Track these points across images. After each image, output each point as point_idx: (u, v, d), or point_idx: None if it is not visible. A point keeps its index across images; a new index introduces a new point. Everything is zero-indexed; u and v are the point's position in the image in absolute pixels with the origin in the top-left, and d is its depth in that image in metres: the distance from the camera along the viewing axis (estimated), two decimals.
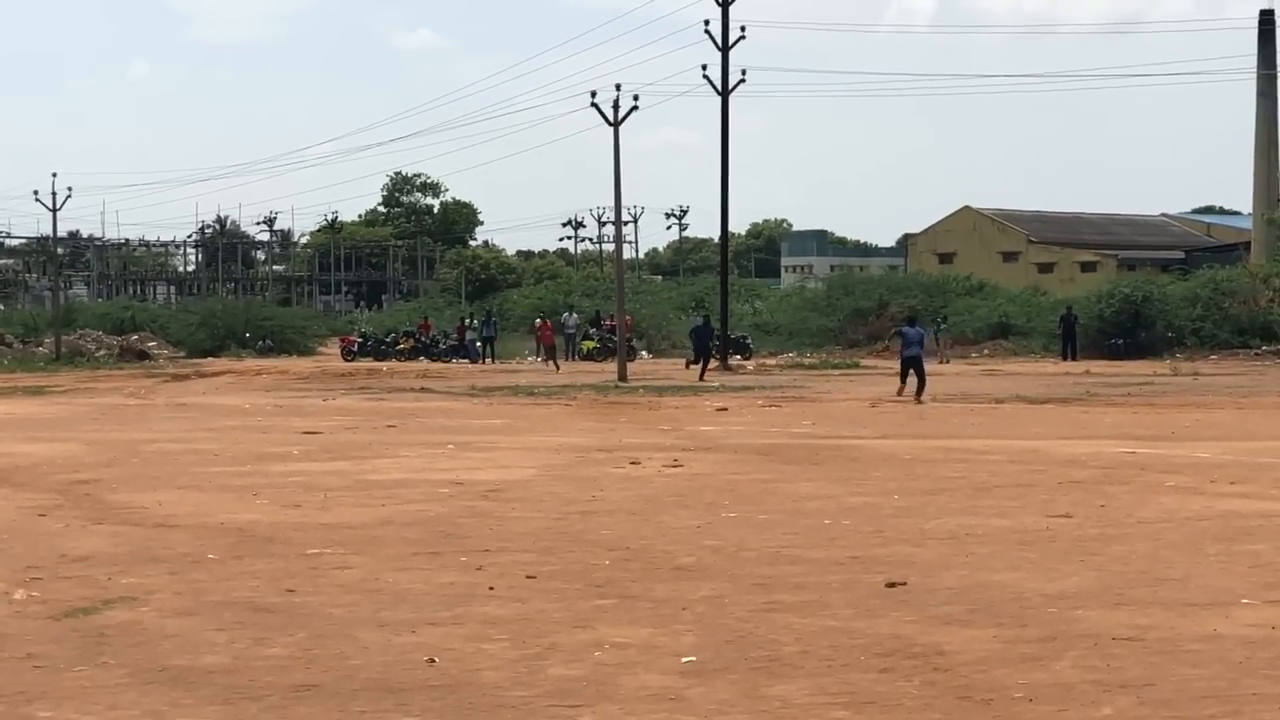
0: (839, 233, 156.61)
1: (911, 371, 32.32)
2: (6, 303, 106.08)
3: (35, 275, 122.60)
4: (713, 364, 50.02)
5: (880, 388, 35.78)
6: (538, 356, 57.67)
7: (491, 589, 10.28)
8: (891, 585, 10.25)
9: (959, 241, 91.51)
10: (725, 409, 29.43)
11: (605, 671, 7.96)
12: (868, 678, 7.79)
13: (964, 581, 10.43)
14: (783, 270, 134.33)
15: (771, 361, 52.33)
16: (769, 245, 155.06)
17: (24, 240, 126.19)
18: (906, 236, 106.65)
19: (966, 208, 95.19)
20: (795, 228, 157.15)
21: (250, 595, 10.15)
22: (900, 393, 32.35)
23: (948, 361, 52.44)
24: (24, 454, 20.65)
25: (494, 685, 7.70)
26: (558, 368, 49.98)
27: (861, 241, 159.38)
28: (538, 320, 57.54)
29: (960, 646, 8.42)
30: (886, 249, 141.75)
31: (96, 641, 8.75)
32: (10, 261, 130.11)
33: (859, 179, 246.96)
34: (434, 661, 8.16)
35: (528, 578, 10.71)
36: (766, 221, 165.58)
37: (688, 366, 45.19)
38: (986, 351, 56.45)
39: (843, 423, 25.79)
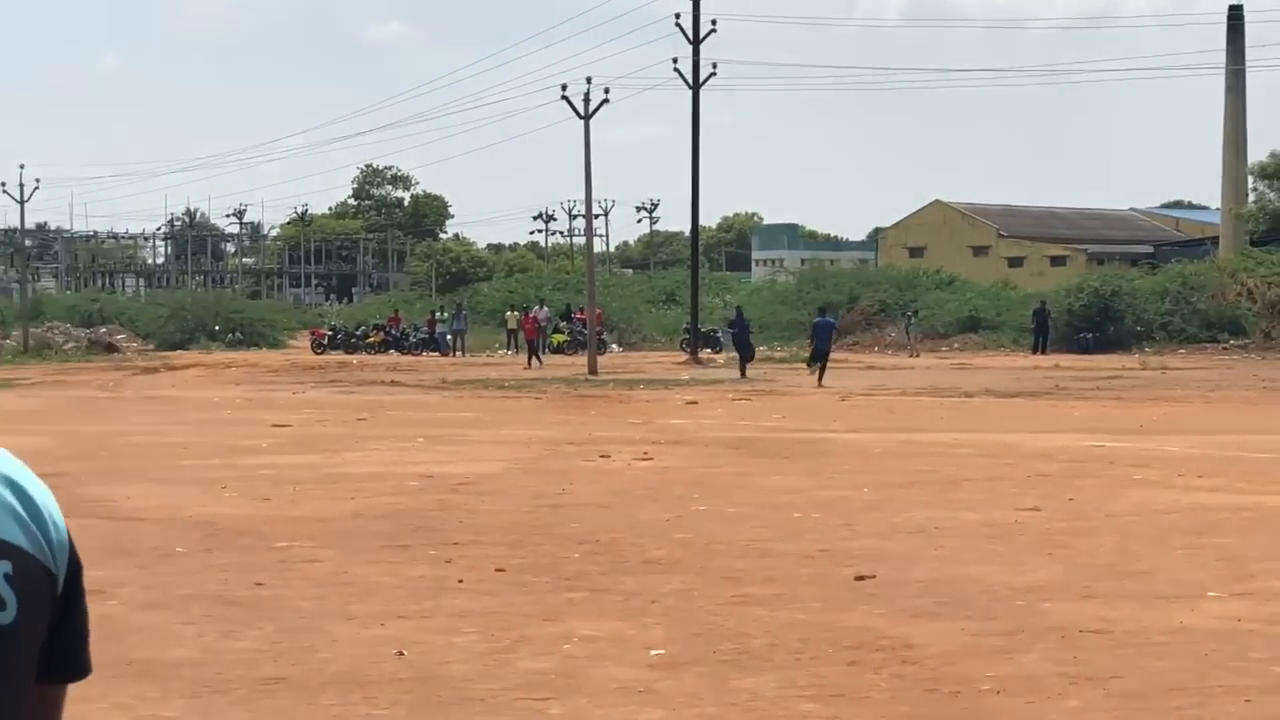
0: (810, 226, 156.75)
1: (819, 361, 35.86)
2: None
3: (2, 267, 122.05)
4: (682, 357, 50.07)
5: (852, 380, 35.83)
6: (508, 349, 57.62)
7: (461, 582, 10.27)
8: (861, 578, 10.26)
9: (929, 235, 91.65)
10: (695, 402, 29.45)
11: (574, 664, 7.96)
12: (836, 670, 7.80)
13: (933, 575, 10.45)
14: (753, 264, 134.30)
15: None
16: (740, 239, 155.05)
17: None
18: (877, 230, 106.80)
19: (937, 202, 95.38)
20: (766, 221, 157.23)
21: (219, 588, 10.13)
22: (820, 381, 34.81)
23: (917, 355, 52.55)
24: None
25: (463, 678, 7.69)
26: (539, 362, 47.18)
27: (832, 235, 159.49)
28: (524, 312, 54.53)
29: (929, 639, 8.44)
30: (857, 243, 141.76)
31: None
32: None
33: (830, 173, 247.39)
34: (403, 654, 8.15)
35: (497, 571, 10.70)
36: (737, 215, 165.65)
37: (743, 374, 39.09)
38: (956, 345, 56.58)
39: (813, 416, 25.82)
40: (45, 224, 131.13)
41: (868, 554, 11.30)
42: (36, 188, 64.43)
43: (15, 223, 79.26)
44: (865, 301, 62.98)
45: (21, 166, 65.77)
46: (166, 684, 7.60)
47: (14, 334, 62.08)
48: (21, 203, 64.26)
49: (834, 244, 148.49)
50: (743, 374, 38.94)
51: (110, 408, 29.42)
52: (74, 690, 7.07)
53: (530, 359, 48.01)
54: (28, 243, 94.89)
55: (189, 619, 9.12)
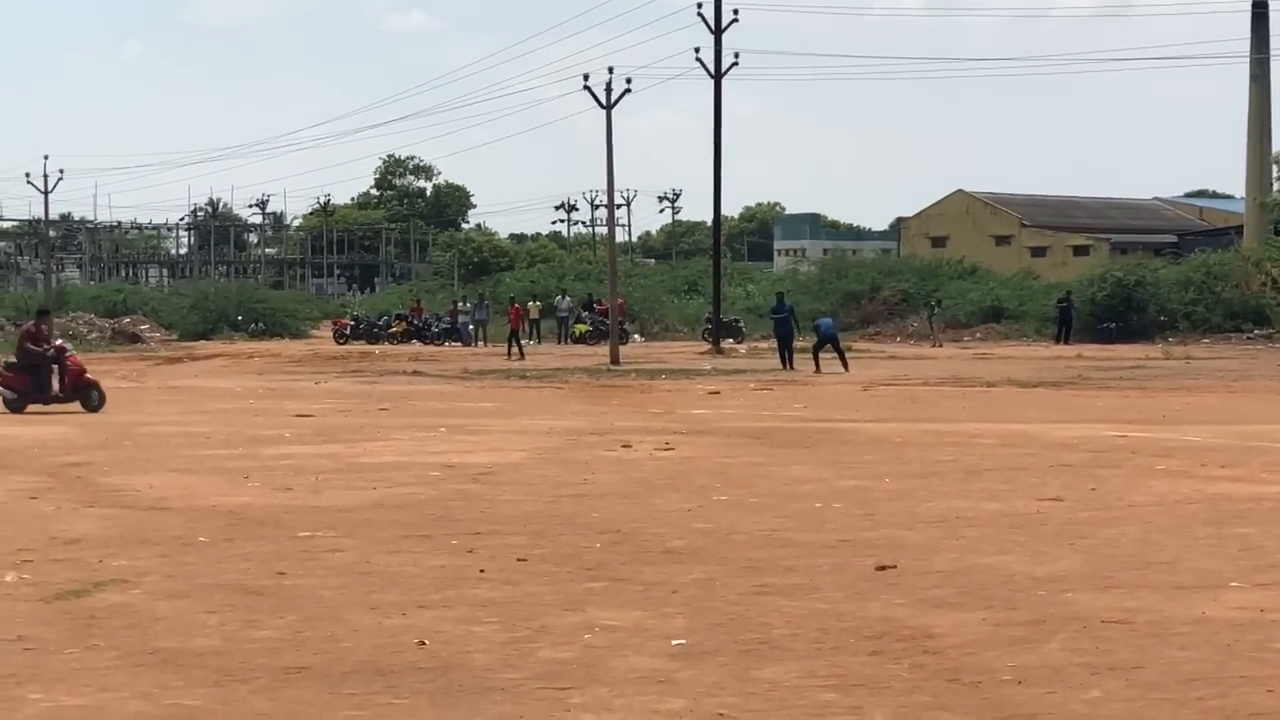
0: (832, 216, 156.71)
1: (834, 352, 36.88)
2: None
3: (27, 258, 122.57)
4: (704, 347, 50.03)
5: (874, 370, 35.80)
6: (531, 339, 57.69)
7: (482, 572, 10.29)
8: (881, 568, 10.26)
9: (951, 225, 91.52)
10: (717, 392, 29.45)
11: (595, 654, 7.97)
12: (857, 660, 7.80)
13: (954, 565, 10.44)
14: (775, 254, 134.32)
15: (764, 345, 52.19)
16: (762, 229, 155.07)
17: (16, 223, 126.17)
18: (899, 220, 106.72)
19: (959, 191, 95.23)
20: (788, 211, 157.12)
21: (241, 578, 10.16)
22: (817, 370, 35.74)
23: (940, 345, 52.48)
24: (15, 436, 20.64)
25: (484, 667, 7.71)
26: (509, 355, 45.87)
27: (854, 225, 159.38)
28: (509, 303, 53.94)
29: (950, 629, 8.44)
30: (879, 232, 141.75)
31: (87, 624, 8.75)
32: (2, 244, 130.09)
33: (852, 162, 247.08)
34: (424, 644, 8.17)
35: (518, 561, 10.72)
36: (759, 205, 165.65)
37: (789, 365, 37.61)
38: (978, 335, 56.49)
39: (834, 406, 25.80)
40: (69, 214, 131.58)
41: (889, 544, 11.30)
42: (60, 178, 64.70)
43: (40, 213, 79.48)
44: (887, 291, 62.85)
45: (46, 157, 65.83)
46: (189, 673, 7.63)
47: None
48: (46, 193, 64.56)
49: (856, 233, 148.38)
50: (788, 364, 37.59)
51: (133, 397, 29.51)
52: (97, 679, 7.14)
53: (510, 349, 46.73)
54: (52, 233, 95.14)
55: (212, 608, 9.15)
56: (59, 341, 26.86)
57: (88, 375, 25.91)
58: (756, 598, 9.37)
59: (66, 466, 17.03)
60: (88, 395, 25.41)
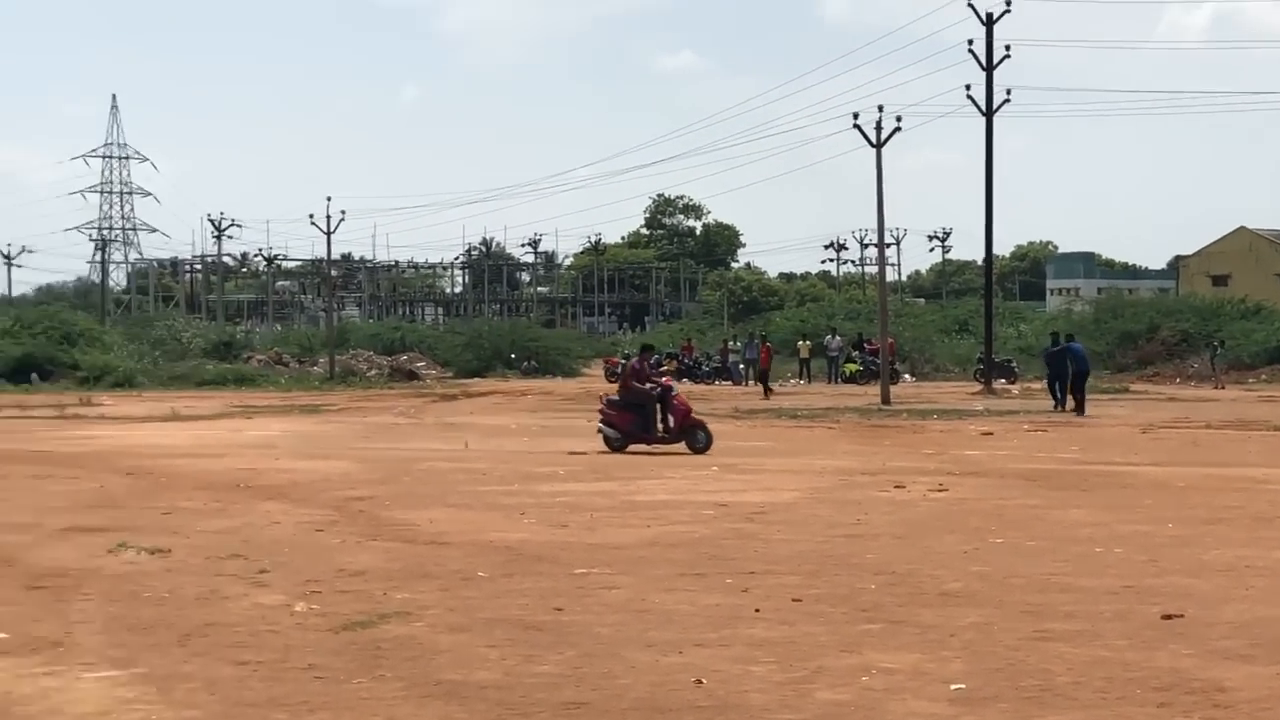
0: (1106, 255, 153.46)
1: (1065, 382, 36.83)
2: (284, 323, 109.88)
3: (310, 296, 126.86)
4: (976, 387, 49.33)
5: (1154, 413, 34.89)
6: (801, 379, 57.61)
7: (757, 611, 10.28)
8: (1168, 617, 9.97)
9: (1234, 263, 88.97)
10: (990, 433, 29.01)
11: (873, 697, 7.90)
12: (1145, 711, 7.58)
13: (1244, 615, 10.09)
14: (1048, 293, 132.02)
15: (1037, 386, 51.26)
16: (1034, 268, 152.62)
17: (300, 262, 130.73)
18: (1178, 258, 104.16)
19: (1242, 228, 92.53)
20: (1061, 250, 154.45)
21: (520, 613, 10.30)
22: (1065, 408, 36.14)
23: (1223, 387, 50.96)
24: (302, 470, 21.29)
25: (761, 707, 7.69)
26: (767, 394, 47.15)
27: (1130, 264, 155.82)
28: (761, 341, 55.03)
29: (1241, 683, 8.16)
30: (1156, 271, 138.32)
31: (373, 654, 8.97)
32: (287, 283, 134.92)
33: (1127, 199, 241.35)
34: (701, 682, 8.19)
35: (793, 600, 10.68)
36: (1031, 243, 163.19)
37: (1057, 408, 36.88)
38: (1264, 377, 54.70)
39: (1112, 448, 25.20)
40: (350, 254, 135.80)
41: (1174, 591, 10.98)
42: (342, 219, 66.83)
43: (322, 253, 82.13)
44: (1166, 331, 61.29)
45: (328, 199, 68.06)
46: (472, 705, 7.77)
47: (321, 361, 64.32)
48: (328, 234, 66.68)
49: (1132, 273, 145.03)
50: (1059, 405, 36.74)
51: (411, 433, 30.24)
52: (385, 709, 7.27)
53: (766, 390, 47.80)
54: (334, 272, 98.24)
55: (492, 642, 9.30)
56: (666, 379, 26.06)
57: (695, 415, 25.31)
58: (1037, 643, 9.18)
59: (350, 500, 17.50)
60: (694, 436, 24.85)
